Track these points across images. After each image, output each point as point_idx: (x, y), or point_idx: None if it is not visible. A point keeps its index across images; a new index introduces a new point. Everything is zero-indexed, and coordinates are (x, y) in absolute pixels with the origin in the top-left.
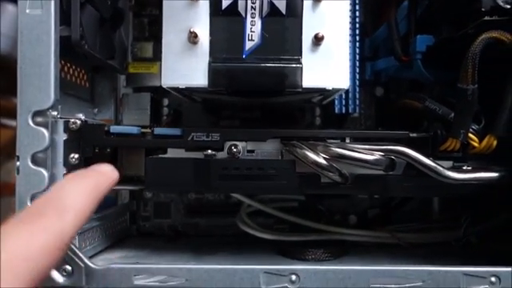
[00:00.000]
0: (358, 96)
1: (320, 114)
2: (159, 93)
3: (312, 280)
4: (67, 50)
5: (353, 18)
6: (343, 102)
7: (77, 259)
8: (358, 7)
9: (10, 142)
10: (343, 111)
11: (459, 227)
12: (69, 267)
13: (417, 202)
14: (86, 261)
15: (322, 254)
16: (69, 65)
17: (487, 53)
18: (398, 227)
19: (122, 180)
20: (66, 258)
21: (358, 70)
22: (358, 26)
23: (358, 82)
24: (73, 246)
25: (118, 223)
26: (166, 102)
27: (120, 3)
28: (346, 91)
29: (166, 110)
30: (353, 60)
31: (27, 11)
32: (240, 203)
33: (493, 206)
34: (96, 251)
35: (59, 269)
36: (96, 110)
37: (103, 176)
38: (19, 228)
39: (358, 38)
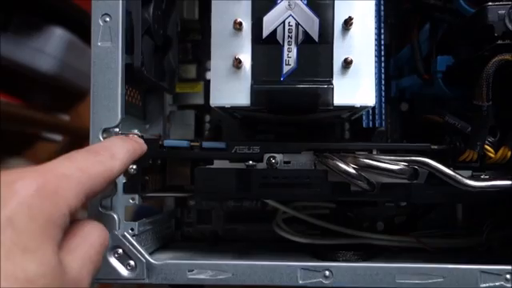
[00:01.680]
0: (383, 111)
1: (349, 128)
2: (202, 110)
3: (344, 276)
4: (128, 75)
5: (378, 40)
6: (370, 117)
7: (139, 255)
8: (383, 30)
9: (55, 155)
10: (370, 125)
11: (482, 233)
12: (132, 262)
13: (441, 209)
14: (147, 257)
15: (352, 256)
16: (127, 87)
17: (504, 72)
18: (424, 233)
19: (169, 189)
20: (130, 254)
21: (383, 87)
22: (383, 47)
23: (383, 99)
24: (136, 245)
25: (165, 228)
26: (207, 118)
27: (169, 31)
28: (373, 107)
29: (207, 126)
30: (378, 79)
31: (99, 44)
32: (274, 210)
33: None
34: (149, 252)
35: (124, 263)
36: (148, 125)
37: (139, 145)
38: (85, 155)
39: (383, 58)
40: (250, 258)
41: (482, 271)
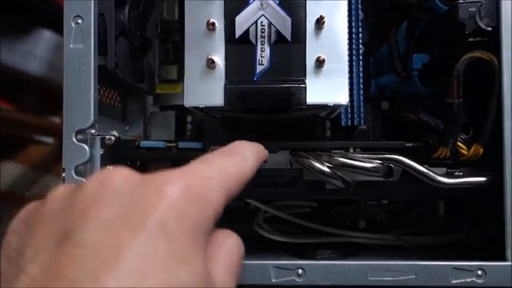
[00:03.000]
0: (362, 110)
1: (330, 127)
2: (183, 110)
3: (316, 274)
4: (103, 76)
5: (356, 38)
6: (349, 115)
7: None
8: (361, 29)
9: (46, 157)
10: (349, 124)
11: (462, 230)
12: None
13: (424, 207)
14: None
15: (331, 254)
16: (104, 89)
17: (475, 70)
18: (405, 231)
19: None
20: None
21: (361, 86)
22: (361, 46)
23: (362, 97)
24: None
25: None
26: (189, 118)
27: (148, 32)
28: (352, 105)
29: (189, 126)
30: (357, 77)
31: (71, 46)
32: (257, 209)
33: (492, 208)
34: None
35: None
36: (127, 127)
37: (262, 149)
38: (220, 157)
39: (361, 57)
40: None
41: (454, 267)
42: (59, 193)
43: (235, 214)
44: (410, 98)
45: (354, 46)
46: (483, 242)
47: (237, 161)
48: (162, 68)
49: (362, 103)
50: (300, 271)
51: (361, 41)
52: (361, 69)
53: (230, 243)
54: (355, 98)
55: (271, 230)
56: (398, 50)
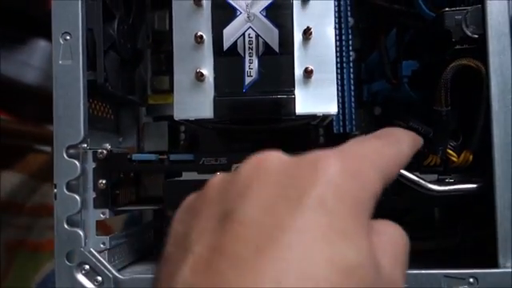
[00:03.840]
0: (354, 117)
1: (323, 133)
2: (177, 121)
3: None
4: (96, 90)
5: (346, 46)
6: (341, 122)
7: (106, 271)
8: (351, 36)
9: (46, 166)
10: (341, 131)
11: (456, 235)
12: (99, 278)
13: (418, 212)
14: (114, 272)
15: None
16: (96, 102)
17: (464, 77)
18: None
19: (145, 200)
20: (96, 270)
21: (353, 92)
22: (351, 52)
23: (353, 104)
24: (103, 260)
25: (143, 240)
26: (182, 128)
27: (139, 44)
28: (343, 112)
29: (182, 136)
30: (348, 84)
31: (60, 62)
32: None
33: (484, 214)
34: (124, 264)
35: (91, 279)
36: (121, 139)
37: (418, 136)
38: (375, 138)
39: (351, 63)
40: None
41: (446, 275)
42: (217, 180)
43: None
44: (402, 105)
45: (344, 53)
46: (477, 247)
47: (392, 142)
48: (154, 78)
49: (353, 110)
50: None
51: (351, 47)
52: (351, 75)
53: (393, 233)
54: (347, 104)
55: None
56: (388, 56)
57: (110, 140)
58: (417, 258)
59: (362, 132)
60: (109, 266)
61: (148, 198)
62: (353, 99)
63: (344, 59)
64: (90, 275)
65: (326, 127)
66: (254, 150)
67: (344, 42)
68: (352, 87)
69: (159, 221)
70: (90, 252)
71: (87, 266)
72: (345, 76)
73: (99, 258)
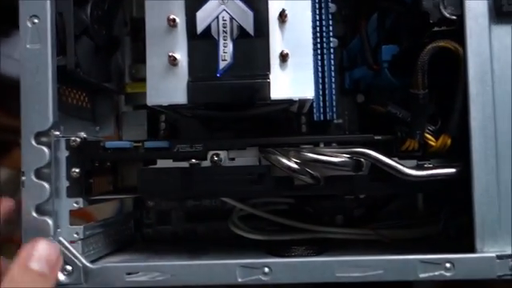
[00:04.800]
0: (334, 104)
1: (305, 122)
2: (157, 109)
3: (283, 272)
4: (67, 76)
5: (326, 32)
6: (321, 109)
7: (76, 260)
8: (331, 22)
9: None
10: (321, 118)
11: (439, 221)
12: (69, 267)
13: (402, 199)
14: (84, 261)
15: (305, 251)
16: (69, 89)
17: (443, 60)
18: (383, 224)
19: (123, 190)
20: (66, 259)
21: (333, 79)
22: (332, 38)
23: (334, 91)
24: (72, 249)
25: (123, 230)
26: (163, 117)
27: (115, 31)
28: (324, 99)
29: (163, 125)
30: (328, 70)
31: (28, 46)
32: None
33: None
34: (100, 255)
35: (61, 269)
36: (98, 127)
37: None
38: None
39: (332, 49)
40: (203, 258)
41: (422, 261)
42: None
43: (212, 213)
44: (385, 92)
45: (324, 39)
46: (460, 234)
47: None
48: (133, 66)
49: (334, 97)
50: (266, 269)
51: (331, 33)
52: (332, 62)
53: None
54: (327, 91)
55: (246, 228)
56: (369, 42)
57: (87, 129)
58: (398, 245)
59: (344, 120)
60: (79, 256)
61: (126, 188)
62: (333, 86)
63: (325, 45)
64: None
65: (309, 115)
66: (234, 138)
67: (324, 28)
68: (332, 73)
69: (139, 211)
70: (60, 241)
71: None
72: (325, 62)
73: (69, 247)
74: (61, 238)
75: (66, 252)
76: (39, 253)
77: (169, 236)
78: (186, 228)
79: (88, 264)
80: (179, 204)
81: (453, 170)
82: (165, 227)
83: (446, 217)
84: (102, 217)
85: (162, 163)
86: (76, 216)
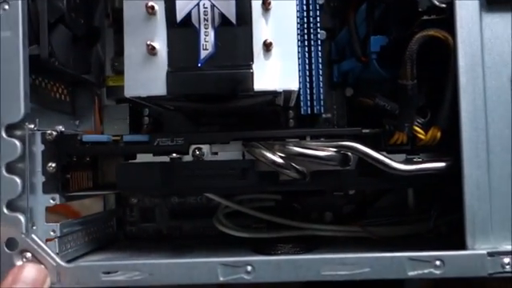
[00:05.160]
0: (322, 97)
1: (293, 116)
2: (140, 103)
3: (266, 270)
4: (42, 66)
5: (314, 23)
6: (308, 103)
7: (49, 259)
8: (318, 12)
9: None
10: (308, 112)
11: (430, 218)
12: (42, 266)
13: (392, 196)
14: (57, 260)
15: (291, 249)
16: (46, 81)
17: (433, 50)
18: (372, 221)
19: (103, 186)
20: (38, 258)
21: (321, 71)
22: (320, 30)
23: (321, 84)
24: (45, 247)
25: (105, 228)
26: (146, 111)
27: (96, 22)
28: (311, 92)
29: (146, 120)
30: (316, 63)
31: None
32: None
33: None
34: (79, 254)
35: None
36: (77, 121)
37: None
38: None
39: (319, 41)
40: (187, 256)
41: (410, 258)
42: None
43: (198, 210)
44: (374, 85)
45: (312, 31)
46: (452, 231)
47: None
48: (116, 59)
49: (321, 90)
50: (249, 268)
51: (319, 24)
52: (320, 54)
53: None
54: (314, 84)
55: (231, 226)
56: (358, 33)
57: (66, 123)
58: (387, 242)
59: (333, 114)
60: (52, 254)
61: (106, 184)
62: (321, 78)
63: (312, 36)
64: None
65: (297, 109)
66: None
67: (312, 19)
68: (320, 66)
69: (122, 208)
70: (33, 239)
71: (29, 254)
72: (313, 54)
73: (42, 245)
74: (33, 236)
75: (39, 250)
76: (25, 276)
77: (153, 234)
78: (171, 226)
79: (62, 263)
80: (163, 201)
81: (442, 165)
82: (149, 225)
83: (437, 213)
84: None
85: (142, 158)
86: (61, 213)
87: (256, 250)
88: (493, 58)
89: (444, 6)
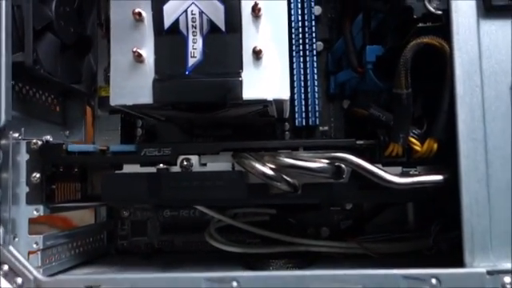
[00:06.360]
0: (317, 108)
1: (289, 128)
2: (133, 114)
3: (252, 286)
4: (27, 74)
5: (309, 33)
6: (303, 114)
7: (26, 272)
8: (313, 23)
9: None
10: (303, 124)
11: (430, 236)
12: (19, 279)
13: (392, 211)
14: (35, 273)
15: (284, 265)
16: (35, 90)
17: (429, 59)
18: (370, 238)
19: (92, 198)
20: (15, 271)
21: (316, 82)
22: (314, 40)
23: (316, 95)
24: (23, 260)
25: (93, 241)
26: (139, 123)
27: (88, 30)
28: (306, 104)
29: (139, 131)
30: (311, 74)
31: None
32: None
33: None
34: (64, 267)
35: (10, 280)
36: (68, 132)
37: None
38: None
39: (315, 52)
40: (176, 270)
41: (405, 276)
42: None
43: (190, 224)
44: (371, 96)
45: (307, 42)
46: (453, 249)
47: None
48: (109, 69)
49: (317, 101)
50: (235, 284)
51: (314, 35)
52: (315, 65)
53: None
54: (310, 95)
55: (222, 240)
56: (354, 43)
57: (55, 133)
58: (385, 259)
59: (330, 127)
60: (30, 267)
61: (95, 197)
62: (316, 89)
63: (307, 47)
64: (9, 276)
65: (292, 122)
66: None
67: (307, 29)
68: (315, 77)
69: (113, 221)
70: (10, 251)
71: (6, 267)
72: (308, 65)
73: (19, 257)
74: (10, 247)
75: (16, 263)
76: None
77: (144, 248)
78: (163, 240)
79: (40, 276)
80: (155, 214)
81: (439, 178)
82: (140, 239)
83: (438, 230)
84: None
85: (130, 169)
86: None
87: (247, 266)
88: (491, 67)
89: (440, 12)
